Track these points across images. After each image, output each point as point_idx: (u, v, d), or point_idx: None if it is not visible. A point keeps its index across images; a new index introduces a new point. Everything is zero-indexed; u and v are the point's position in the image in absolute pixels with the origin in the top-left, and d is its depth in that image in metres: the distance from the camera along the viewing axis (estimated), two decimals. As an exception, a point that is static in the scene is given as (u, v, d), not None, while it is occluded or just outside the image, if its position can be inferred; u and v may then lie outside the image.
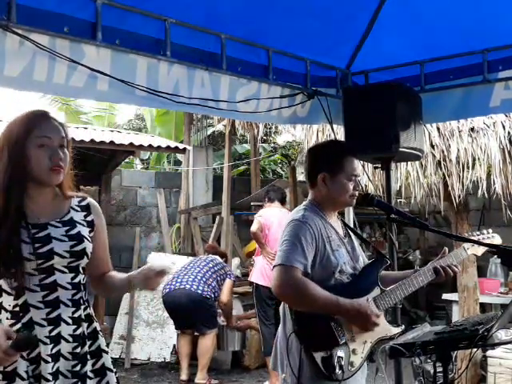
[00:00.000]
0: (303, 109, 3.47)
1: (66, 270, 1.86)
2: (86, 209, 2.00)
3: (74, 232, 1.90)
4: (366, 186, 5.33)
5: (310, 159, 2.57)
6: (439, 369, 2.12)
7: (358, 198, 2.47)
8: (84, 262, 1.91)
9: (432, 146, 5.06)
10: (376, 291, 2.39)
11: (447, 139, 5.07)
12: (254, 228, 5.58)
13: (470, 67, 3.34)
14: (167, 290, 5.68)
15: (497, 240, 2.70)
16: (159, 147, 6.93)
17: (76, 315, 1.87)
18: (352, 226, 3.71)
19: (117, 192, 8.42)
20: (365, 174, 4.98)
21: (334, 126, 3.58)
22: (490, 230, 2.70)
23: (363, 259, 2.55)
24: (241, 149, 12.29)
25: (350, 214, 3.71)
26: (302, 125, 6.05)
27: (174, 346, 6.36)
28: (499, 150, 4.94)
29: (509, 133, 4.97)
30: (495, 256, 5.93)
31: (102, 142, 6.16)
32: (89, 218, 1.98)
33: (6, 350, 1.64)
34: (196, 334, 5.76)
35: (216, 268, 5.84)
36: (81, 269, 1.91)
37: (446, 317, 7.39)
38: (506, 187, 5.07)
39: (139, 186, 8.75)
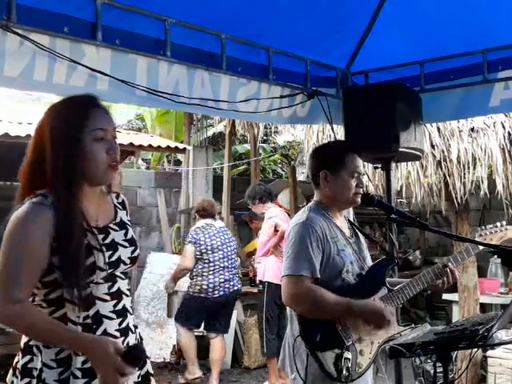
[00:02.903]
0: (303, 109, 3.47)
1: (123, 276, 1.75)
2: (124, 206, 1.87)
3: (129, 236, 1.78)
4: (366, 186, 5.32)
5: (312, 159, 2.58)
6: (439, 369, 2.12)
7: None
8: (133, 267, 1.82)
9: (432, 146, 5.06)
10: (383, 291, 2.39)
11: (447, 139, 5.07)
12: (285, 227, 5.37)
13: (470, 67, 3.33)
14: (221, 293, 5.57)
15: (510, 233, 2.64)
16: (159, 147, 6.92)
17: (134, 323, 1.80)
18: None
19: (117, 192, 8.41)
20: (365, 174, 4.98)
21: (334, 126, 3.58)
22: (504, 223, 2.59)
23: (369, 259, 2.55)
24: (241, 149, 12.29)
25: (350, 214, 3.70)
26: (302, 125, 6.05)
27: (174, 346, 6.35)
28: (499, 150, 4.94)
29: (509, 133, 4.97)
30: (495, 256, 5.96)
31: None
32: (129, 217, 1.85)
33: (119, 366, 1.47)
34: (205, 334, 5.71)
35: (235, 250, 5.85)
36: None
37: (446, 317, 7.40)
38: (506, 187, 5.07)
39: (139, 186, 8.75)
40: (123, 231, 1.77)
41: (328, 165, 2.45)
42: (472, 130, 5.07)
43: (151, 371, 1.85)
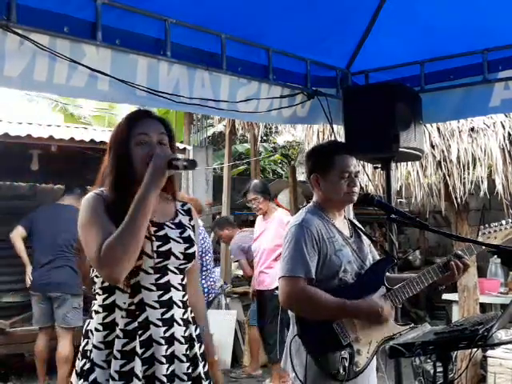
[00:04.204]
0: (303, 109, 3.47)
1: (177, 271, 1.88)
2: (189, 213, 2.03)
3: (186, 235, 1.93)
4: (366, 186, 5.32)
5: (305, 162, 2.61)
6: (439, 369, 2.12)
7: (358, 197, 2.46)
8: (190, 265, 1.94)
9: (432, 146, 5.06)
10: (382, 290, 2.39)
11: (447, 139, 5.07)
12: None
13: (469, 67, 3.34)
14: (213, 295, 5.37)
15: None
16: (159, 147, 6.90)
17: (185, 317, 1.89)
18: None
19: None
20: (365, 174, 4.99)
21: (334, 126, 3.58)
22: (510, 220, 2.56)
23: (373, 258, 2.56)
24: (241, 148, 12.30)
25: (349, 214, 3.70)
26: (302, 125, 6.04)
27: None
28: (499, 150, 4.95)
29: (509, 133, 4.97)
30: (495, 256, 5.96)
31: (102, 142, 6.14)
32: (192, 223, 2.01)
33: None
34: None
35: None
36: (186, 271, 1.94)
37: (446, 317, 7.39)
38: (506, 187, 5.07)
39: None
40: (179, 230, 1.93)
41: (318, 168, 2.48)
42: (472, 130, 5.07)
43: (202, 374, 1.92)
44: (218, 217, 8.02)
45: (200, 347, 1.94)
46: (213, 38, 2.86)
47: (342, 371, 2.22)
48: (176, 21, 2.63)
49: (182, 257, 1.88)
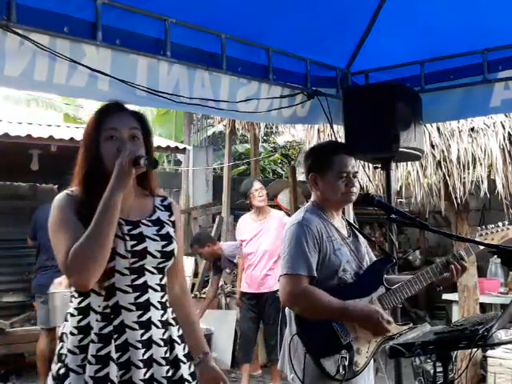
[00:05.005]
0: (303, 109, 3.47)
1: (155, 270, 1.80)
2: (169, 209, 1.93)
3: (163, 232, 1.85)
4: (366, 186, 5.32)
5: (304, 161, 2.61)
6: (439, 369, 2.12)
7: (358, 197, 2.46)
8: (170, 263, 1.85)
9: (432, 146, 5.06)
10: (381, 290, 2.39)
11: (447, 139, 5.07)
12: None
13: (470, 67, 3.34)
14: None
15: None
16: (159, 147, 6.91)
17: (164, 318, 1.81)
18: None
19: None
20: (365, 174, 4.98)
21: (334, 126, 3.58)
22: (506, 222, 2.57)
23: (370, 259, 2.55)
24: (241, 148, 12.31)
25: (349, 214, 3.70)
26: (302, 125, 6.04)
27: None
28: (499, 150, 4.95)
29: (509, 133, 4.97)
30: (495, 256, 5.96)
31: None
32: (172, 219, 1.92)
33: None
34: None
35: None
36: (165, 270, 1.85)
37: (446, 317, 7.39)
38: (506, 187, 5.07)
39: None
40: (157, 227, 1.84)
41: (316, 167, 2.48)
42: (472, 130, 5.08)
43: (186, 376, 1.85)
44: (218, 217, 8.02)
45: (184, 348, 1.87)
46: (213, 38, 2.86)
47: (341, 371, 2.21)
48: (176, 21, 2.63)
49: (159, 255, 1.80)
